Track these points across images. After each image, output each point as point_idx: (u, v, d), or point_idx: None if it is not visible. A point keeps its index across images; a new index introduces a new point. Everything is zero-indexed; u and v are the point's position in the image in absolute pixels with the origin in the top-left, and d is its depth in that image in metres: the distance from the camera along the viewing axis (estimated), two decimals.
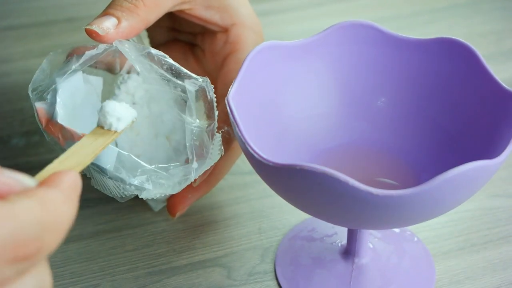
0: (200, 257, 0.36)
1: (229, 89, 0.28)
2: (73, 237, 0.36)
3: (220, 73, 0.35)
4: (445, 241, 0.36)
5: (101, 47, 0.31)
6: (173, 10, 0.33)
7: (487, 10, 0.53)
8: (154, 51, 0.31)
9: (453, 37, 0.31)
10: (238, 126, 0.26)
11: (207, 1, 0.34)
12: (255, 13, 0.36)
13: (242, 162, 0.39)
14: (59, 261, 0.35)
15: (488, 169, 0.24)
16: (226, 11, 0.34)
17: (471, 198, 0.37)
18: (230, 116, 0.27)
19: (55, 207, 0.18)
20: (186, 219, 0.38)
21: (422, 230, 0.36)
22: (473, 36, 0.50)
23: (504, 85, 0.29)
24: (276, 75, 0.32)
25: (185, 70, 0.31)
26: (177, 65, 0.31)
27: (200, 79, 0.31)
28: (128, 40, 0.31)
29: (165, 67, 0.31)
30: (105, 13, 0.31)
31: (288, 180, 0.25)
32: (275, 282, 0.34)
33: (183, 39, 0.38)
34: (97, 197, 0.38)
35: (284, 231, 0.37)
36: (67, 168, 0.23)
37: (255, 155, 0.25)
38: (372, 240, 0.34)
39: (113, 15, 0.30)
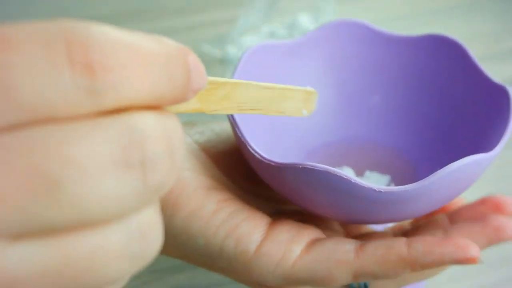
0: None
1: None
2: None
3: None
4: None
5: None
6: None
7: (486, 11, 0.53)
8: None
9: (442, 33, 0.32)
10: (237, 127, 0.27)
11: None
12: None
13: None
14: None
15: (484, 162, 0.25)
16: None
17: (468, 197, 0.38)
18: (229, 116, 0.27)
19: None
20: None
21: None
22: (472, 37, 0.50)
23: (494, 79, 0.29)
24: (271, 74, 0.32)
25: None
26: None
27: None
28: None
29: None
30: None
31: (289, 179, 0.25)
32: None
33: None
34: None
35: None
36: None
37: (256, 155, 0.25)
38: None
39: None
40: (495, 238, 0.26)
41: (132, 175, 0.12)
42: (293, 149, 0.33)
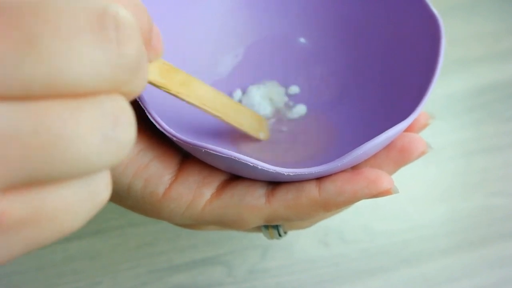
0: (201, 255, 0.36)
1: None
2: (75, 235, 0.37)
3: None
4: (442, 239, 0.37)
5: None
6: None
7: (486, 11, 0.53)
8: None
9: None
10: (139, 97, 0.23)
11: None
12: None
13: None
14: (62, 259, 0.36)
15: (394, 136, 0.23)
16: None
17: (468, 197, 0.38)
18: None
19: None
20: None
21: (420, 228, 0.37)
22: (472, 37, 0.50)
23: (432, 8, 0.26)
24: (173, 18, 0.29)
25: None
26: None
27: None
28: None
29: None
30: None
31: (196, 151, 0.23)
32: (275, 280, 0.35)
33: None
34: None
35: None
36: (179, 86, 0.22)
37: (158, 126, 0.23)
38: None
39: None
40: (402, 160, 0.24)
41: (107, 39, 0.13)
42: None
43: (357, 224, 0.37)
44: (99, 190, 0.14)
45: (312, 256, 0.36)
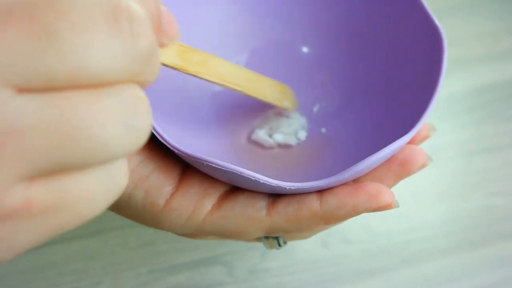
0: (201, 255, 0.36)
1: None
2: (75, 235, 0.37)
3: None
4: (442, 239, 0.37)
5: None
6: None
7: (486, 11, 0.53)
8: None
9: None
10: None
11: None
12: None
13: None
14: (62, 259, 0.36)
15: (400, 147, 0.23)
16: None
17: (468, 197, 0.38)
18: None
19: None
20: None
21: (420, 229, 0.37)
22: (472, 37, 0.50)
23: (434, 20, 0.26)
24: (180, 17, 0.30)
25: None
26: None
27: None
28: None
29: None
30: None
31: (198, 164, 0.23)
32: (275, 280, 0.35)
33: None
34: None
35: None
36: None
37: (159, 137, 0.23)
38: None
39: None
40: (403, 173, 0.24)
41: (122, 31, 0.13)
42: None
43: (358, 225, 0.37)
44: (118, 177, 0.14)
45: (313, 256, 0.36)
